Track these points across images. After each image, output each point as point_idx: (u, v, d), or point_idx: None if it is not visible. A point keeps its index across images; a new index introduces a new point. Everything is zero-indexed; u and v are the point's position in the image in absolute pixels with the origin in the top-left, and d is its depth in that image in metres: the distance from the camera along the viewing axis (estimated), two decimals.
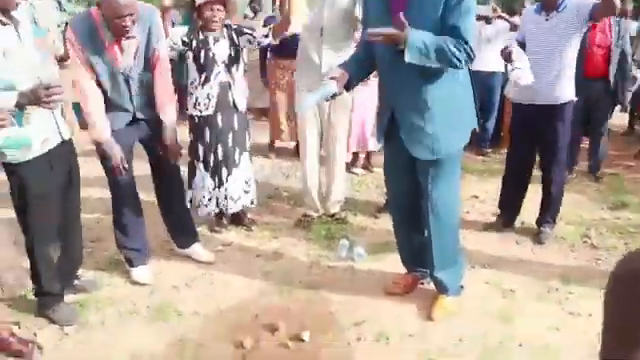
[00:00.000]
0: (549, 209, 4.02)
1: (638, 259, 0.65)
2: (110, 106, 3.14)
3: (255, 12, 7.92)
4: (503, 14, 5.98)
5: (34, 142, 2.71)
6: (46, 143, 2.79)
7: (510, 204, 4.17)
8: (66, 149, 2.95)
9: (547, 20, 3.70)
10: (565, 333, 2.93)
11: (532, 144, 3.95)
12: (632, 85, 5.90)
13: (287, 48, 5.11)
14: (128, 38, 3.03)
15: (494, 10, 5.90)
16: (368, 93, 4.92)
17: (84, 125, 3.25)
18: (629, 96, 5.74)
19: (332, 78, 2.74)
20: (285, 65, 5.80)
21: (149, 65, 3.20)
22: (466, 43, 2.51)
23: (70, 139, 2.98)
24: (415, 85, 2.68)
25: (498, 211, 4.28)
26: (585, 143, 5.75)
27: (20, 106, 2.50)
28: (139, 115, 3.24)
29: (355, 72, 2.85)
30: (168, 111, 3.30)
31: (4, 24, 2.57)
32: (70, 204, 3.08)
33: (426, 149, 2.77)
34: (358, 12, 3.83)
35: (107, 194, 3.43)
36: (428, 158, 2.79)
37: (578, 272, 3.57)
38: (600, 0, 3.44)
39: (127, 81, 3.13)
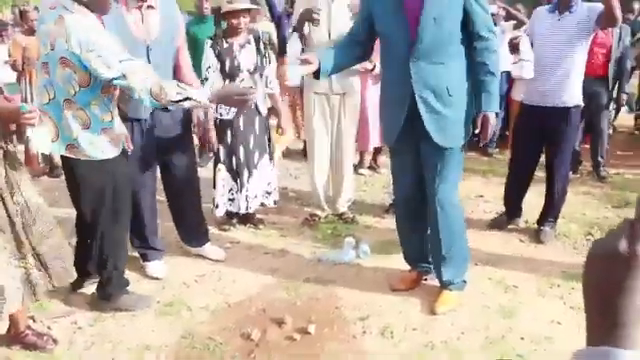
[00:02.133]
0: (551, 209, 4.08)
1: (611, 239, 0.65)
2: None
3: None
4: (508, 7, 6.10)
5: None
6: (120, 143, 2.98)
7: (514, 203, 4.24)
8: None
9: (559, 20, 3.76)
10: (567, 326, 2.98)
11: (538, 145, 4.02)
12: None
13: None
14: (149, 7, 3.14)
15: (500, 7, 6.02)
16: (375, 92, 4.98)
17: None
18: (625, 97, 5.79)
19: (302, 61, 2.88)
20: None
21: (173, 44, 3.31)
22: (486, 37, 2.78)
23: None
24: (436, 75, 2.80)
25: (502, 210, 4.35)
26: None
27: None
28: None
29: (334, 61, 2.96)
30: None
31: None
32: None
33: (445, 134, 2.87)
34: None
35: None
36: (446, 145, 2.88)
37: (580, 269, 3.56)
38: (604, 10, 3.53)
39: (147, 54, 3.16)
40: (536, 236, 4.08)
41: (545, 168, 4.08)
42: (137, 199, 3.43)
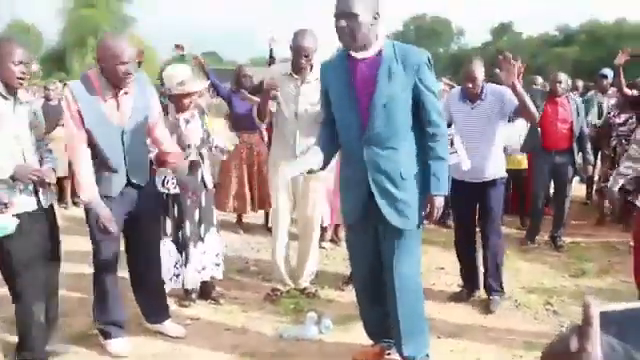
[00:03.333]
0: (492, 276, 4.16)
1: (561, 341, 0.72)
2: (104, 167, 3.20)
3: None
4: (453, 84, 6.43)
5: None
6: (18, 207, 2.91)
7: (470, 275, 4.32)
8: (45, 217, 3.09)
9: (473, 108, 3.97)
10: None
11: (471, 216, 4.22)
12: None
13: (245, 122, 5.39)
14: (126, 93, 3.20)
15: (446, 84, 6.34)
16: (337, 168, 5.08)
17: None
18: (590, 169, 6.05)
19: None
20: (244, 139, 5.99)
21: (145, 126, 3.36)
22: (436, 122, 2.86)
23: (51, 208, 3.14)
24: (389, 159, 2.85)
25: (462, 282, 4.39)
26: (548, 214, 5.98)
27: None
28: (132, 178, 3.31)
29: (327, 151, 3.05)
30: (178, 159, 3.58)
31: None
32: (48, 273, 3.17)
33: (402, 217, 2.90)
34: None
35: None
36: (404, 227, 2.91)
37: (542, 338, 3.63)
38: (520, 106, 3.74)
39: (122, 137, 3.22)
40: (485, 306, 4.13)
41: (481, 238, 4.19)
42: (101, 275, 3.38)
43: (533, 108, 3.79)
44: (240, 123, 5.88)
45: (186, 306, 4.12)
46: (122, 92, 3.19)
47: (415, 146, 2.90)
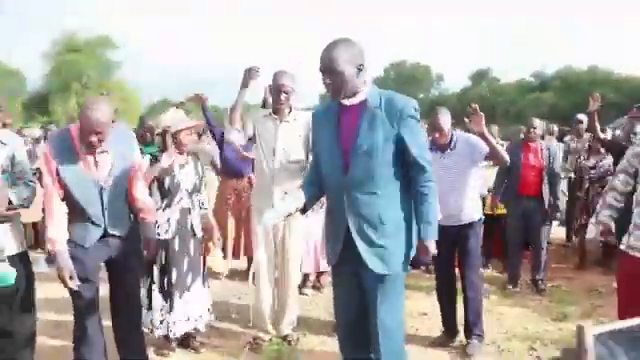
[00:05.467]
0: (472, 321, 4.15)
1: None
2: (81, 218, 3.17)
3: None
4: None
5: None
6: None
7: (450, 321, 4.31)
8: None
9: (443, 158, 4.03)
10: None
11: (451, 261, 4.23)
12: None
13: (234, 168, 5.40)
14: (101, 152, 3.17)
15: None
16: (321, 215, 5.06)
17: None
18: (557, 213, 6.14)
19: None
20: (232, 184, 5.98)
21: (125, 180, 3.31)
22: (424, 168, 2.83)
23: (22, 255, 3.11)
24: (368, 204, 2.82)
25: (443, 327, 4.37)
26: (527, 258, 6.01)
27: None
28: (110, 230, 3.26)
29: (310, 194, 3.03)
30: (148, 215, 3.49)
31: None
32: (15, 321, 3.09)
33: (382, 262, 2.85)
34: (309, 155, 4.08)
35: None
36: (383, 272, 2.85)
37: None
38: (490, 151, 3.95)
39: (100, 192, 3.19)
40: (463, 350, 4.11)
41: (461, 282, 4.21)
42: (80, 323, 3.28)
43: (503, 153, 4.00)
44: (229, 168, 5.89)
45: (165, 355, 4.04)
46: (99, 150, 3.16)
47: (398, 192, 2.86)
